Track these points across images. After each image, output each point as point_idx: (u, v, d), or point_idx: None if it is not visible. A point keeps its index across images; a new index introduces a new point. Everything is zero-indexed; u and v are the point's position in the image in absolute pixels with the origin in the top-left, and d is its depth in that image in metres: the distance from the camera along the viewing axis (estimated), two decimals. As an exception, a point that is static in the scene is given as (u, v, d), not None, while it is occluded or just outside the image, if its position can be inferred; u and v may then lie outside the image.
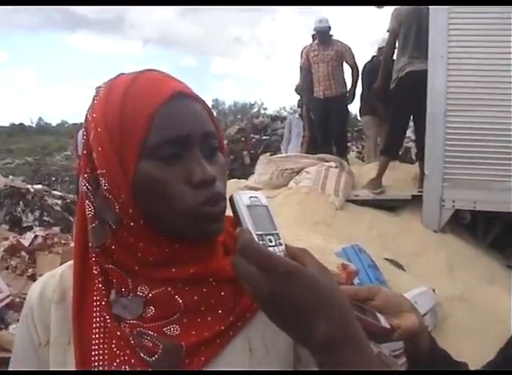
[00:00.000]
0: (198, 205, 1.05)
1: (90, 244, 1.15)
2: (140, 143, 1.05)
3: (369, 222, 7.19)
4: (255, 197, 0.97)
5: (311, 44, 10.25)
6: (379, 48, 10.30)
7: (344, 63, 9.85)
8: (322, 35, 9.79)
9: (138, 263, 1.11)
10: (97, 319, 1.13)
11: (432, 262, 6.57)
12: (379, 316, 1.12)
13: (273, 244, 0.93)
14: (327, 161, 8.43)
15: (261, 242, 0.91)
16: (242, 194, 0.96)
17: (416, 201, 7.51)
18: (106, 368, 1.09)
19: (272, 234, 0.94)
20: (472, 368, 1.26)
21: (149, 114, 1.05)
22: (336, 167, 7.85)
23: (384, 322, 1.11)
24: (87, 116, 1.14)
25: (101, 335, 1.12)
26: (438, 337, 5.39)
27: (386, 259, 6.16)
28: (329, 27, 9.84)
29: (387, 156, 8.00)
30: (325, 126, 10.04)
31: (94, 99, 1.14)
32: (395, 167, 8.72)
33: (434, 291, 5.38)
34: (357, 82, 10.06)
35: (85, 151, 1.12)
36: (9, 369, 1.26)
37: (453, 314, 5.50)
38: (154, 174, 1.05)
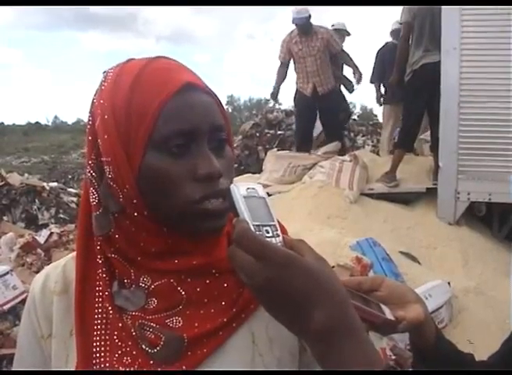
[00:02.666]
0: (200, 200, 1.04)
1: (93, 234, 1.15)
2: (148, 134, 1.04)
3: (384, 215, 7.16)
4: (252, 188, 0.98)
5: (290, 35, 9.12)
6: (392, 31, 10.17)
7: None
8: (302, 27, 8.88)
9: (141, 254, 1.10)
10: (99, 310, 1.13)
11: (447, 255, 6.54)
12: (384, 307, 1.11)
13: (270, 235, 0.93)
14: (341, 155, 8.42)
15: (257, 233, 0.91)
16: (239, 186, 0.96)
17: (431, 193, 7.48)
18: (108, 359, 1.09)
19: (269, 226, 0.94)
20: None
21: (158, 105, 1.04)
22: (350, 161, 7.81)
23: (388, 313, 1.10)
24: (93, 101, 1.13)
25: (103, 326, 1.12)
26: (454, 329, 5.38)
27: (401, 252, 6.13)
28: (309, 15, 8.90)
29: (402, 149, 7.98)
30: (310, 126, 9.54)
31: (101, 84, 1.12)
32: (409, 160, 8.69)
33: (449, 283, 5.35)
34: (355, 65, 9.48)
35: (90, 137, 1.11)
36: (14, 360, 1.27)
37: (469, 306, 5.48)
38: (160, 166, 1.04)
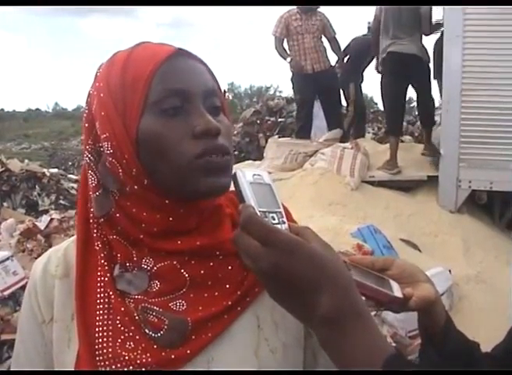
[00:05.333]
0: (199, 154, 1.04)
1: (91, 221, 1.14)
2: (142, 100, 1.05)
3: (385, 202, 7.15)
4: (258, 175, 0.97)
5: (289, 12, 9.08)
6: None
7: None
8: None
9: (143, 233, 1.09)
10: (101, 295, 1.12)
11: (448, 243, 6.54)
12: (393, 283, 1.11)
13: (276, 221, 0.92)
14: (342, 142, 8.42)
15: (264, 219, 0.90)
16: (245, 171, 0.96)
17: (432, 181, 7.46)
18: (111, 345, 1.08)
19: (275, 212, 0.94)
20: (487, 348, 1.24)
21: (150, 71, 1.05)
22: (352, 148, 7.81)
23: (397, 291, 1.10)
24: (89, 92, 1.14)
25: (105, 311, 1.10)
26: (454, 317, 5.31)
27: (402, 240, 6.13)
28: None
29: (392, 135, 8.08)
30: (311, 105, 9.36)
31: (96, 74, 1.14)
32: (410, 148, 8.68)
33: (450, 271, 5.35)
34: (341, 54, 9.71)
35: (87, 124, 1.12)
36: (15, 343, 1.25)
37: (469, 294, 5.48)
38: (155, 128, 1.05)
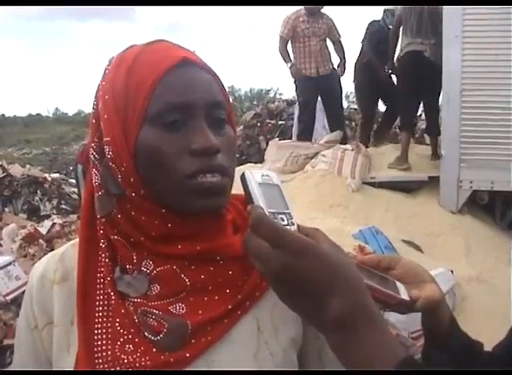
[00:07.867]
0: (193, 174, 1.03)
1: (98, 216, 1.13)
2: (143, 109, 1.04)
3: (386, 204, 7.15)
4: (267, 175, 0.96)
5: (296, 13, 9.07)
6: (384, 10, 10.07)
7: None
8: (313, 8, 9.01)
9: (143, 236, 1.08)
10: (101, 297, 1.11)
11: (449, 244, 6.53)
12: (399, 285, 1.10)
13: (285, 223, 0.90)
14: (344, 143, 8.42)
15: None
16: (254, 172, 0.94)
17: (433, 182, 7.46)
18: (110, 347, 1.07)
19: (284, 213, 0.92)
20: (489, 348, 1.24)
21: (152, 81, 1.04)
22: (353, 150, 7.80)
23: (403, 292, 1.09)
24: (98, 86, 1.13)
25: (105, 313, 1.10)
26: (457, 317, 5.32)
27: (403, 241, 6.14)
28: None
29: (405, 131, 8.15)
30: (313, 107, 9.36)
31: (105, 69, 1.13)
32: (411, 149, 8.67)
33: (452, 272, 5.35)
34: (345, 56, 9.58)
35: (94, 121, 1.12)
36: (14, 346, 1.26)
37: (471, 295, 5.48)
38: (154, 142, 1.04)
